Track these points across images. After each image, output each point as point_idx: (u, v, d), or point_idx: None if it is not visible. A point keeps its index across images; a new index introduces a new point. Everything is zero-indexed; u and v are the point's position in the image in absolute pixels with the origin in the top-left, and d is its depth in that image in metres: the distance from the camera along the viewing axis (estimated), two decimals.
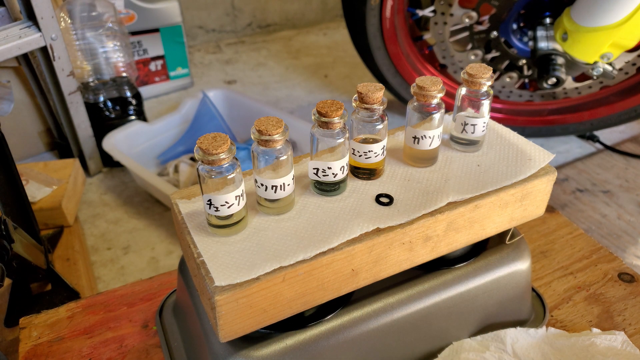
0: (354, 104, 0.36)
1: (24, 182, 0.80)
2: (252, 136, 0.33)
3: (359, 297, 0.40)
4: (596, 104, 1.29)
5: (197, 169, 0.31)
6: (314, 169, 0.36)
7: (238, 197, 0.33)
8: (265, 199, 0.35)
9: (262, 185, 0.34)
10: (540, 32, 0.97)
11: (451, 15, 1.02)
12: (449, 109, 0.41)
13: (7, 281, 0.73)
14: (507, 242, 0.45)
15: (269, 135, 0.32)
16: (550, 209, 0.61)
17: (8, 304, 0.75)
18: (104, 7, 1.28)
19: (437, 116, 0.38)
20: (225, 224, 0.34)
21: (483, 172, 0.39)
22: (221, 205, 0.32)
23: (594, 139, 1.34)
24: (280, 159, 0.33)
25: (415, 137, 0.39)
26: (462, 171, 0.40)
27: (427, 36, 1.16)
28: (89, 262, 1.05)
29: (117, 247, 1.11)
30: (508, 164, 0.40)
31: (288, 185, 0.35)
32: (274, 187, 0.34)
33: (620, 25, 0.84)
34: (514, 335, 0.45)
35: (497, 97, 1.35)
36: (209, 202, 0.32)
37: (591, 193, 1.18)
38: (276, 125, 0.32)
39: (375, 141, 0.37)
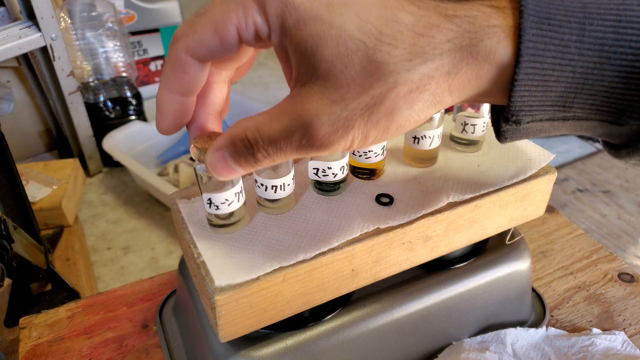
0: None
1: (24, 182, 0.80)
2: None
3: (359, 297, 0.40)
4: None
5: (195, 168, 0.31)
6: (314, 169, 0.36)
7: (237, 194, 0.33)
8: (265, 199, 0.35)
9: (262, 185, 0.34)
10: None
11: None
12: (449, 109, 0.41)
13: (7, 281, 0.73)
14: (507, 242, 0.45)
15: None
16: (550, 209, 0.61)
17: (8, 304, 0.75)
18: (104, 7, 1.28)
19: (437, 116, 0.38)
20: (227, 223, 0.34)
21: (483, 172, 0.39)
22: (221, 203, 0.32)
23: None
24: None
25: (415, 137, 0.39)
26: (462, 171, 0.40)
27: None
28: (89, 262, 1.05)
29: (117, 247, 1.11)
30: (508, 164, 0.40)
31: (288, 185, 0.35)
32: (274, 187, 0.34)
33: None
34: (514, 335, 0.45)
35: None
36: (208, 202, 0.32)
37: (591, 193, 1.18)
38: None
39: None
